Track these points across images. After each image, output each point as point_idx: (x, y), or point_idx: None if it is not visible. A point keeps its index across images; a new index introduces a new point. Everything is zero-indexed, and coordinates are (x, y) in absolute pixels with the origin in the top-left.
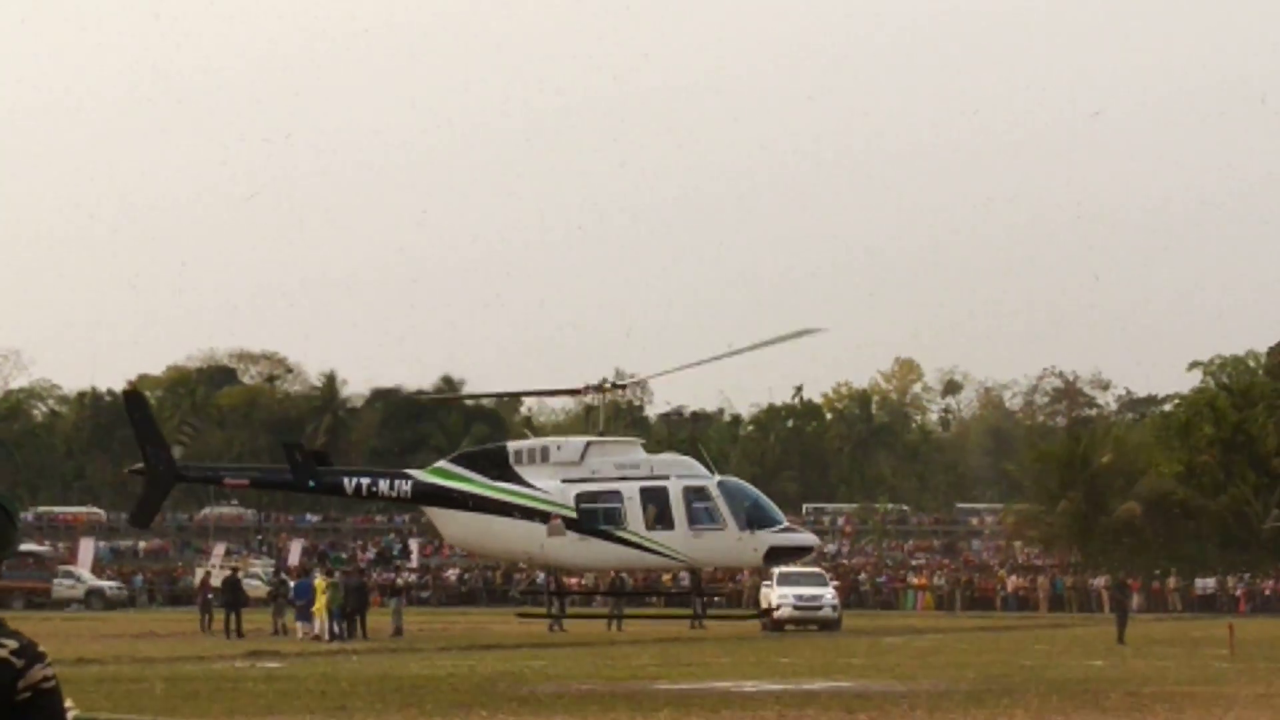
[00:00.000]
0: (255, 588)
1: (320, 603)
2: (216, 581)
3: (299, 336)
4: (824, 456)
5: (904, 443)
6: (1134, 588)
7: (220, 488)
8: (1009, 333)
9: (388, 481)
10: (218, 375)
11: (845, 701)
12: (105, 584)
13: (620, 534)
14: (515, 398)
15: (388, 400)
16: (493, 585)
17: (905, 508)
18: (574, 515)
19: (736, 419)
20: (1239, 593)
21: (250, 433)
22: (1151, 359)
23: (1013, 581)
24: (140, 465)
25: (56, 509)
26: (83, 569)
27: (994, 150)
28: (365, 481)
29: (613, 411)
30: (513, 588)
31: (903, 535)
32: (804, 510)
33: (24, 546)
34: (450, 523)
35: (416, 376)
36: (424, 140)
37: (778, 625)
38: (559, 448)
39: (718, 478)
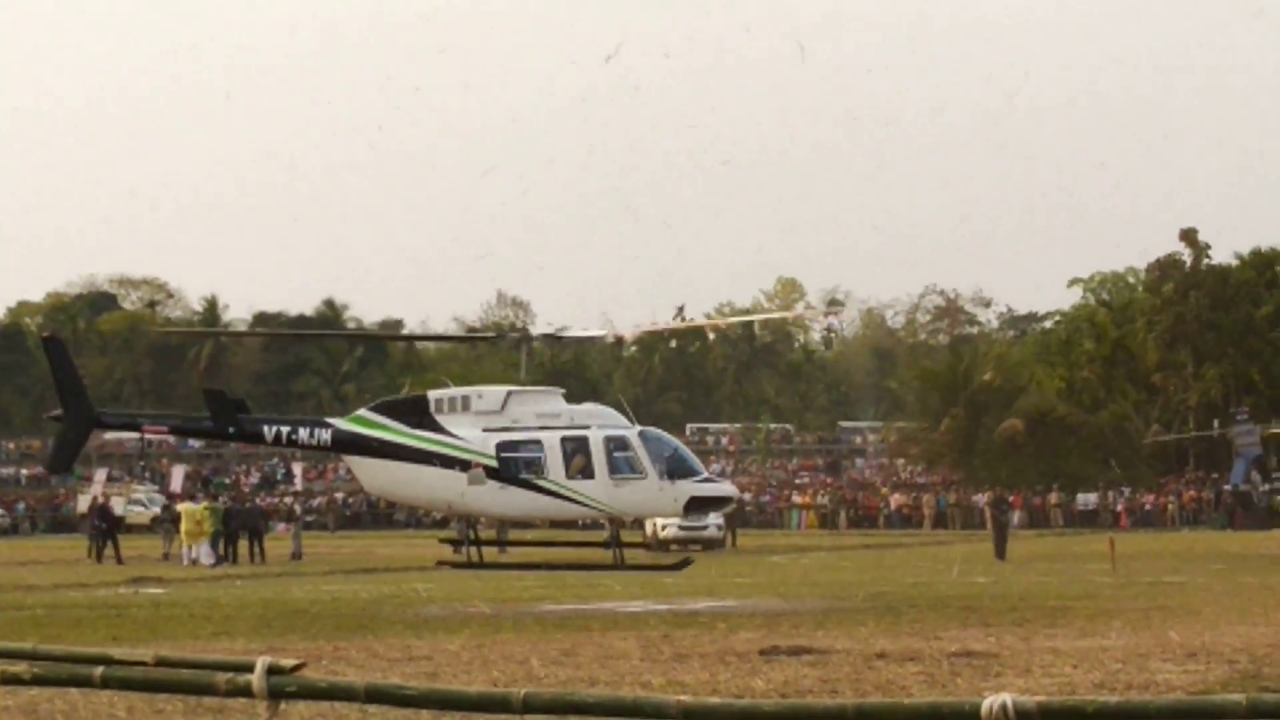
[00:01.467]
0: (139, 513)
1: (187, 528)
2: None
3: (180, 261)
4: (707, 377)
5: (787, 362)
6: (1015, 504)
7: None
8: (891, 251)
9: (308, 430)
10: (98, 301)
11: (731, 620)
12: None
13: (541, 483)
14: (432, 340)
15: (270, 324)
16: (377, 509)
17: (789, 427)
18: (495, 464)
19: (619, 340)
20: (1120, 508)
21: (132, 358)
22: (1032, 276)
23: (896, 499)
24: (58, 412)
25: None
26: None
27: (873, 65)
28: (285, 430)
29: (496, 334)
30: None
31: (786, 454)
32: (688, 431)
33: None
34: (370, 471)
35: (299, 300)
36: (301, 58)
37: (663, 546)
38: (480, 396)
39: (638, 428)
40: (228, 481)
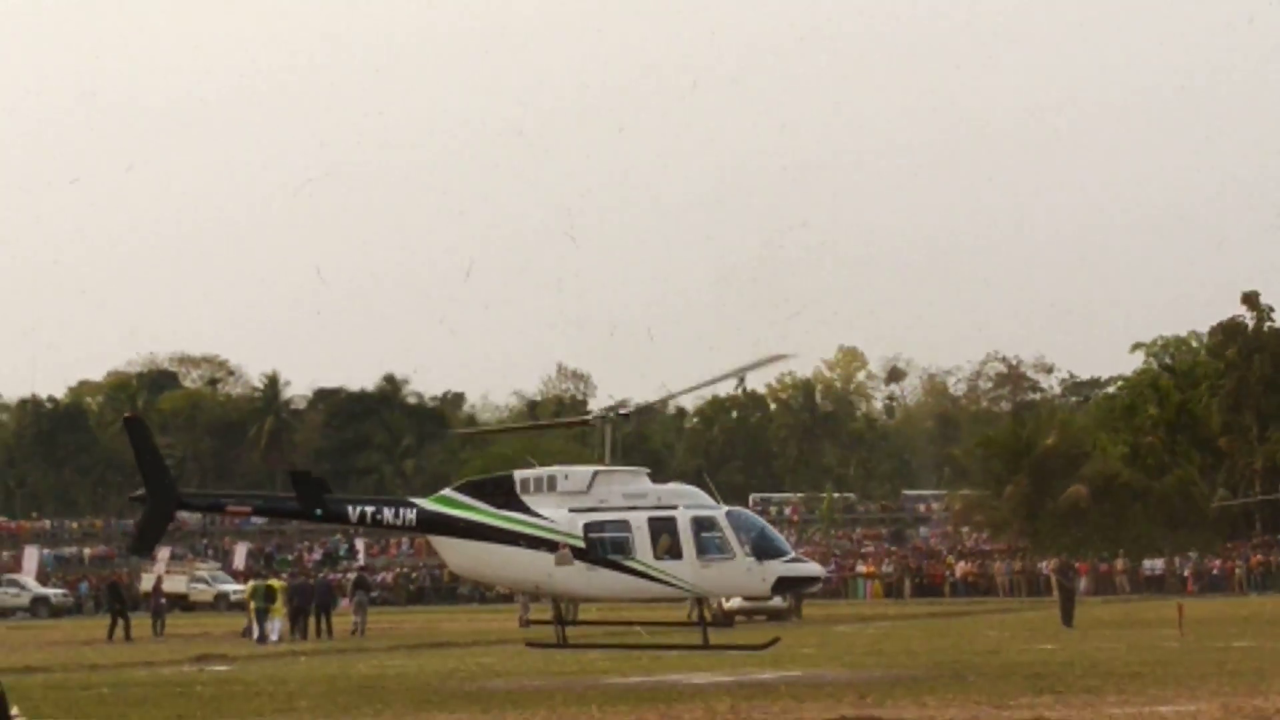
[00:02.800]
0: (201, 591)
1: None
2: (171, 586)
3: (240, 339)
4: (769, 446)
5: (849, 431)
6: (1081, 570)
7: (223, 515)
8: (952, 318)
9: (393, 510)
10: (159, 379)
11: (797, 691)
12: (50, 591)
13: (629, 564)
14: (528, 431)
15: (330, 400)
16: (440, 584)
17: (852, 496)
18: (582, 545)
19: (681, 411)
20: (1187, 573)
21: (193, 436)
22: (1094, 341)
23: (961, 567)
24: (141, 492)
25: None
26: (27, 577)
27: (935, 140)
28: (370, 510)
29: (556, 407)
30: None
31: (850, 524)
32: (750, 501)
33: None
34: (456, 552)
35: (359, 376)
36: (358, 140)
37: (728, 618)
38: (566, 477)
39: (725, 508)
40: (290, 558)
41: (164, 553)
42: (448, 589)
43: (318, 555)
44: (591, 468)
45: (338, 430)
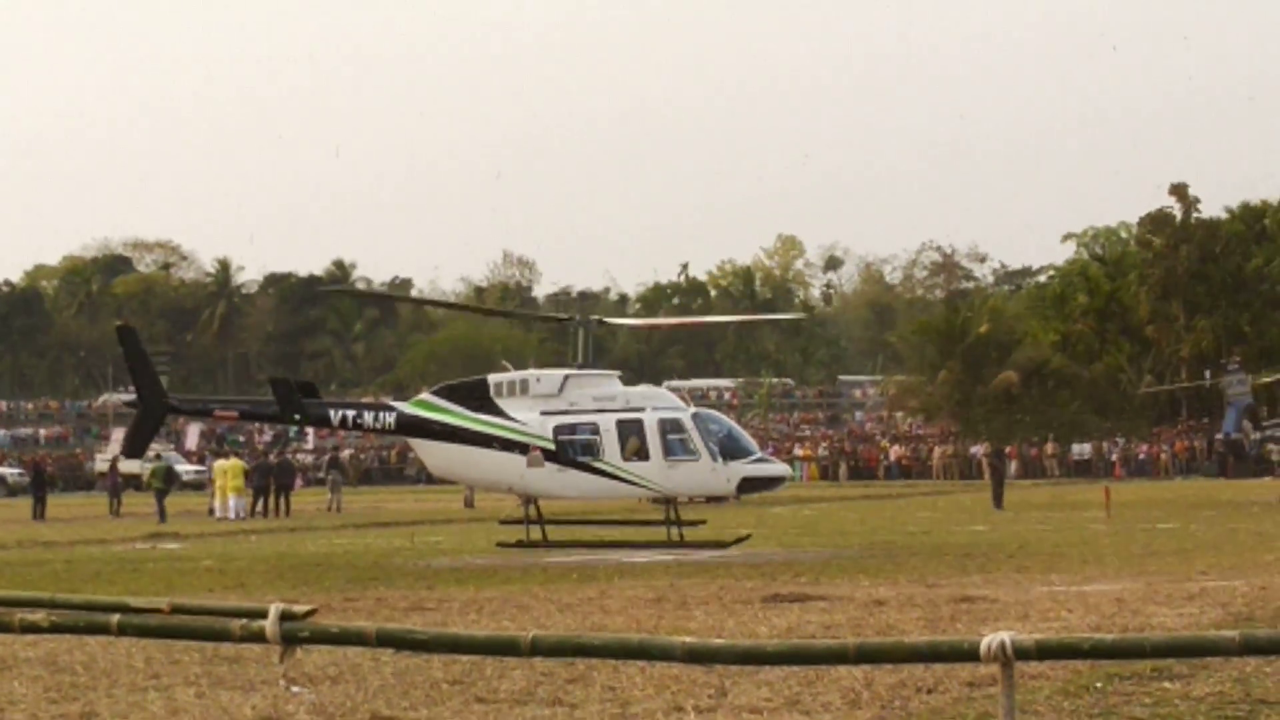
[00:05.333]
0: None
1: (221, 484)
2: (125, 466)
3: (193, 224)
4: (709, 333)
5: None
6: (1011, 454)
7: (211, 419)
8: (888, 209)
9: (372, 414)
10: (113, 264)
11: (734, 570)
12: (7, 471)
13: (597, 465)
14: (493, 315)
15: (281, 285)
16: (388, 464)
17: (789, 381)
18: (552, 447)
19: (623, 298)
20: (1114, 457)
21: (147, 320)
22: (1026, 232)
23: (895, 451)
24: (133, 397)
25: None
26: None
27: (866, 19)
28: (350, 414)
29: (502, 294)
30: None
31: (788, 408)
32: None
33: None
34: (433, 453)
35: (309, 261)
36: (307, 23)
37: (668, 500)
38: (538, 380)
39: (692, 409)
40: (241, 439)
41: (118, 433)
42: (395, 470)
43: (269, 436)
44: (563, 371)
45: (289, 315)
